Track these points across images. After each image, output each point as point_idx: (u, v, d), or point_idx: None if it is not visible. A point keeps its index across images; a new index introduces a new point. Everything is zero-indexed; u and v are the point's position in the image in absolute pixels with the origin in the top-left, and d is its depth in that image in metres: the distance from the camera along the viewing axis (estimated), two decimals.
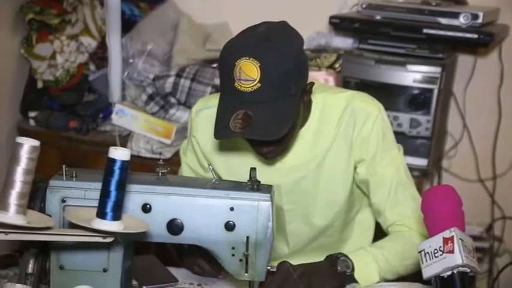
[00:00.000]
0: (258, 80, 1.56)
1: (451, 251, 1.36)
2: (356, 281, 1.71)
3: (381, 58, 2.68)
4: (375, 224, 1.99)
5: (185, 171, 1.97)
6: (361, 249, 1.79)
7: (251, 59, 1.56)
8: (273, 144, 1.68)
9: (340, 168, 1.84)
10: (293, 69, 1.60)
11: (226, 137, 1.68)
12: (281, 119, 1.60)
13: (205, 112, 1.88)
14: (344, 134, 1.81)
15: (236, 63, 1.57)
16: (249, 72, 1.56)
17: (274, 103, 1.59)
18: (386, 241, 1.82)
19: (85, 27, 2.99)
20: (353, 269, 1.70)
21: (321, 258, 1.75)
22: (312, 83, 1.72)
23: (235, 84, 1.57)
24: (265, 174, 1.74)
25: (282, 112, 1.61)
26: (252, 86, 1.57)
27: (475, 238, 1.47)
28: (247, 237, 1.47)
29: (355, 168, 1.85)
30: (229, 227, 1.46)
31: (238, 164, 1.84)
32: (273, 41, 1.59)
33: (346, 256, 1.71)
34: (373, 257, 1.74)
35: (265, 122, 1.57)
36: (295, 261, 1.67)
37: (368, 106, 1.82)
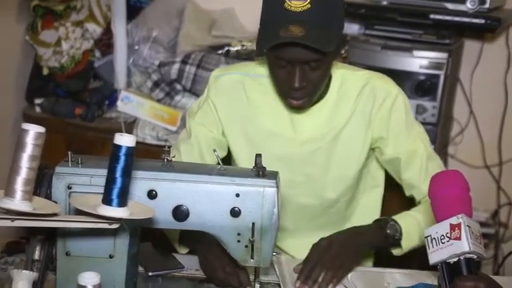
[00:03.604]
0: (309, 1, 1.61)
1: (458, 238, 1.35)
2: (400, 246, 1.78)
3: (387, 44, 2.67)
4: (380, 207, 2.02)
5: (195, 130, 1.94)
6: (405, 213, 1.84)
7: None
8: (307, 78, 1.70)
9: (356, 144, 1.87)
10: (338, 3, 1.68)
11: (275, 42, 1.65)
12: (329, 38, 1.65)
13: (225, 77, 1.91)
14: (362, 110, 1.84)
15: None
16: None
17: (321, 26, 1.63)
18: (425, 206, 1.83)
19: (90, 13, 2.98)
20: (401, 234, 1.77)
21: (324, 235, 1.77)
22: (347, 35, 1.75)
23: (285, 4, 1.63)
24: (280, 144, 1.83)
25: (329, 35, 1.66)
26: (303, 6, 1.62)
27: (480, 224, 1.46)
28: (253, 224, 1.47)
29: (375, 147, 1.89)
30: (235, 213, 1.46)
31: (255, 131, 1.87)
32: None
33: (395, 221, 1.78)
34: (416, 221, 1.80)
35: (314, 37, 1.61)
36: (298, 238, 1.74)
37: (387, 85, 1.88)
